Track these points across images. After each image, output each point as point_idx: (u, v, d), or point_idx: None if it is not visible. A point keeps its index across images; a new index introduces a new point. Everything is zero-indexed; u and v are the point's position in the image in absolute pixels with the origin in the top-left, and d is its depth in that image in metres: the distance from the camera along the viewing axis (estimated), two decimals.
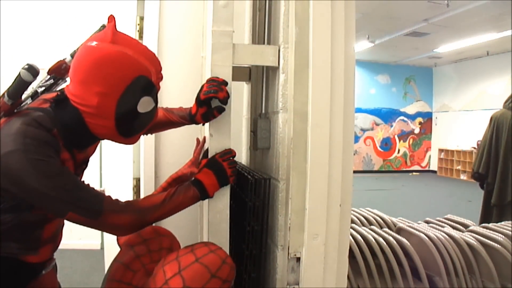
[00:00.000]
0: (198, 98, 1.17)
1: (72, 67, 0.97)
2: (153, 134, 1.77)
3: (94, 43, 0.94)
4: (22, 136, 0.88)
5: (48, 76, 1.12)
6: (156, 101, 1.03)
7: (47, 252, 1.09)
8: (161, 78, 1.04)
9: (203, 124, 1.30)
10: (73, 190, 0.94)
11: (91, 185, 1.00)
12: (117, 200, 1.03)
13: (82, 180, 1.04)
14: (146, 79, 0.97)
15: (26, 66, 0.93)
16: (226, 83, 1.16)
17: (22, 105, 1.00)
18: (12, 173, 0.88)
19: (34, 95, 1.06)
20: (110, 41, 0.93)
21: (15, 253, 1.00)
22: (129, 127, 1.02)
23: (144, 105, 0.99)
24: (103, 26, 1.10)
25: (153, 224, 1.18)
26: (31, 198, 0.92)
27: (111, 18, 0.96)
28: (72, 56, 1.11)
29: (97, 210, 0.96)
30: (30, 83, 0.95)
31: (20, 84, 0.94)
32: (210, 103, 1.17)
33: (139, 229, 1.08)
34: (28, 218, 0.99)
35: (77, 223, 0.97)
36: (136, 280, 1.11)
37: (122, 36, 0.97)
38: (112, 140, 1.06)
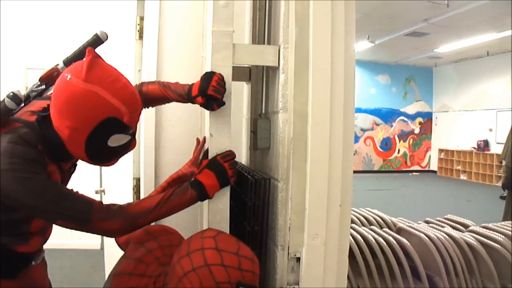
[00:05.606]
0: (204, 90, 1.14)
1: (52, 92, 0.99)
2: (153, 134, 1.78)
3: (68, 77, 0.93)
4: (9, 155, 0.95)
5: (40, 82, 1.17)
6: (132, 134, 1.03)
7: (37, 243, 1.17)
8: (139, 115, 1.03)
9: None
10: (60, 202, 0.99)
11: (81, 192, 1.04)
12: (108, 206, 1.06)
13: (70, 189, 1.07)
14: (116, 121, 0.96)
15: (11, 95, 0.99)
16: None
17: (15, 110, 1.06)
18: (3, 190, 0.95)
19: (27, 99, 1.13)
20: (83, 79, 0.91)
21: (7, 244, 1.07)
22: (101, 158, 1.07)
23: (115, 140, 1.00)
24: (96, 35, 1.13)
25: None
26: (23, 209, 1.00)
27: (89, 51, 0.94)
28: (65, 63, 1.16)
29: (84, 218, 1.01)
30: (14, 109, 1.01)
31: (5, 110, 1.00)
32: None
33: (131, 231, 1.12)
34: (16, 215, 1.05)
35: (69, 228, 1.02)
36: (151, 271, 1.09)
37: (98, 73, 0.94)
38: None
